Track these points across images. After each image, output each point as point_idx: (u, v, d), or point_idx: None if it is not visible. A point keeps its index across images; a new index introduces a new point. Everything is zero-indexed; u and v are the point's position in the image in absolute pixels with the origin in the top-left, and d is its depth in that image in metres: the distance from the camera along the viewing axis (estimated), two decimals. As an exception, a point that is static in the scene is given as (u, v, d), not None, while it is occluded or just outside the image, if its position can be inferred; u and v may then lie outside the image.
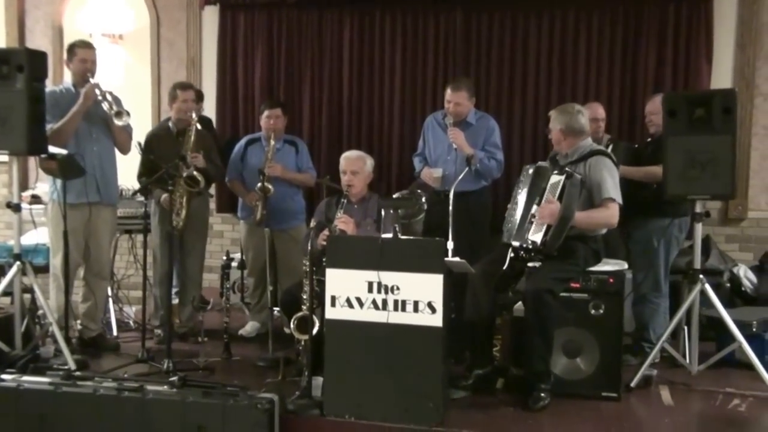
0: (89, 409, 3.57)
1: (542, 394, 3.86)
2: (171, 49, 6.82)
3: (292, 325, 4.09)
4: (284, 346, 4.63)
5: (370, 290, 3.64)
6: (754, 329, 4.50)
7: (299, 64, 6.47)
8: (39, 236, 5.17)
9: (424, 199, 5.01)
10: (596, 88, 5.92)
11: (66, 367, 4.10)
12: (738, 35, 5.81)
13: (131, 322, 5.69)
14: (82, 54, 4.82)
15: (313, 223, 4.57)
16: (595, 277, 4.07)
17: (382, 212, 4.33)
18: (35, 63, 4.30)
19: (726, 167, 4.11)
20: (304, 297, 4.03)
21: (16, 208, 4.47)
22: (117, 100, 4.79)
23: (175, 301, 5.35)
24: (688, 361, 4.41)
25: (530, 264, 4.08)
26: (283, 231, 5.21)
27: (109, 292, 5.42)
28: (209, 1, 6.64)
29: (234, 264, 5.41)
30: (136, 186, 5.17)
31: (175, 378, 3.67)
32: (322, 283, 3.80)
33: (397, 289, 3.61)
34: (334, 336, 3.71)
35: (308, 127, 6.43)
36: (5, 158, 4.67)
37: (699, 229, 4.36)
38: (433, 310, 3.57)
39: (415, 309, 3.59)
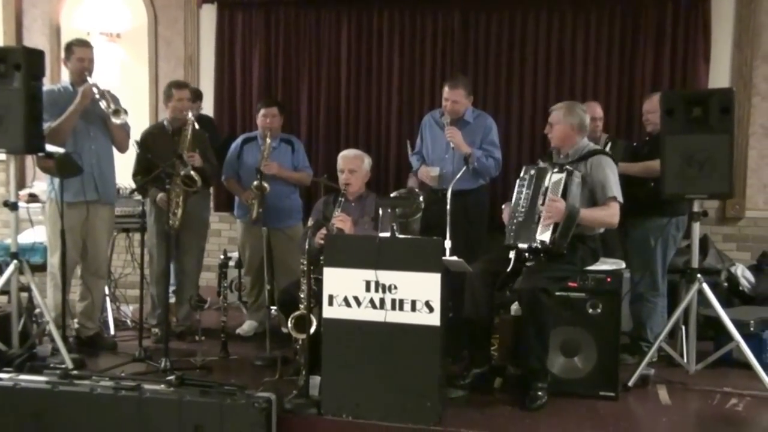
0: (86, 408, 3.56)
1: (539, 393, 3.86)
2: (168, 47, 6.81)
3: (289, 324, 4.08)
4: (282, 345, 4.62)
5: (368, 289, 3.63)
6: (751, 329, 4.51)
7: (297, 62, 6.47)
8: (36, 235, 5.15)
9: (421, 198, 5.01)
10: (594, 87, 5.92)
11: (63, 366, 4.08)
12: (736, 35, 5.82)
13: (128, 321, 5.69)
14: (79, 53, 4.81)
15: (310, 222, 4.57)
16: (592, 277, 4.07)
17: (380, 211, 4.32)
18: (32, 61, 4.28)
19: (723, 166, 4.11)
20: (302, 296, 4.02)
21: (13, 206, 4.45)
22: (115, 99, 4.78)
23: (172, 299, 5.35)
24: (685, 360, 4.41)
25: (527, 263, 4.08)
26: (280, 230, 5.20)
27: (107, 291, 5.41)
28: (207, 0, 6.63)
29: (231, 263, 5.39)
30: (134, 185, 5.17)
31: (172, 377, 3.66)
32: (319, 282, 3.80)
33: (395, 288, 3.60)
34: (332, 335, 3.70)
35: (306, 125, 6.43)
36: (2, 157, 4.68)
37: (696, 228, 4.36)
38: (431, 309, 3.56)
39: (413, 308, 3.58)
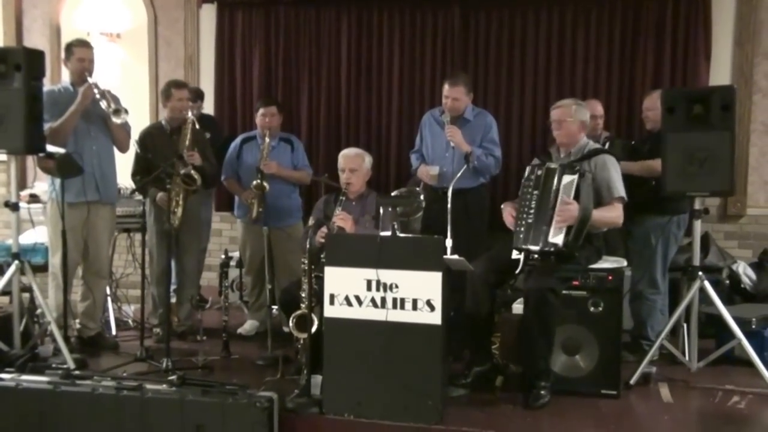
0: (88, 408, 3.56)
1: (542, 392, 3.86)
2: (168, 47, 6.81)
3: (290, 324, 4.08)
4: (283, 344, 4.62)
5: (369, 288, 3.63)
6: (753, 326, 4.49)
7: (297, 62, 6.47)
8: (37, 235, 5.16)
9: (422, 197, 5.00)
10: (595, 85, 5.92)
11: (65, 366, 4.09)
12: (736, 32, 5.82)
13: (130, 321, 5.69)
14: (79, 53, 4.81)
15: (311, 221, 4.56)
16: (594, 275, 4.06)
17: (381, 210, 4.32)
18: (33, 62, 4.29)
19: (725, 164, 4.10)
20: (303, 295, 4.02)
21: (14, 207, 4.46)
22: (115, 99, 4.78)
23: (173, 299, 5.35)
24: (687, 358, 4.41)
25: (531, 263, 4.06)
26: (280, 229, 5.20)
27: (108, 291, 5.41)
28: (206, 0, 6.63)
29: (232, 263, 5.40)
30: (133, 185, 5.17)
31: (174, 377, 3.67)
32: (320, 281, 3.80)
33: (396, 287, 3.60)
34: (333, 334, 3.70)
35: (306, 124, 6.43)
36: (3, 157, 4.68)
37: (698, 226, 4.35)
38: (432, 308, 3.56)
39: (414, 307, 3.58)
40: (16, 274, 4.45)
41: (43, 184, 5.31)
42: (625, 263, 4.32)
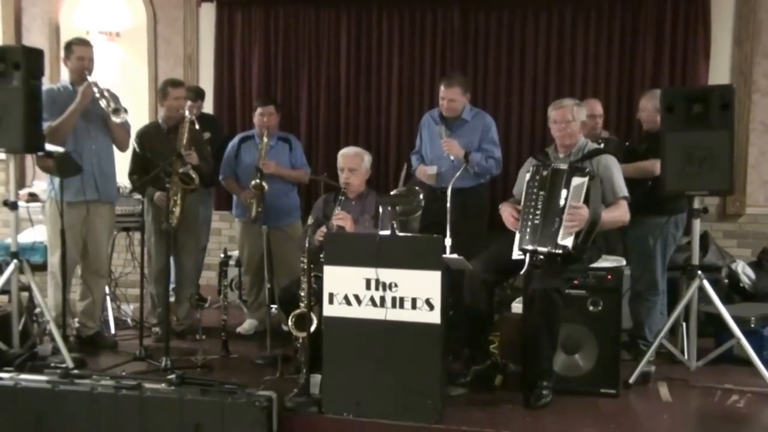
0: (87, 408, 3.56)
1: (544, 392, 3.85)
2: (168, 46, 6.81)
3: (290, 323, 4.08)
4: (282, 343, 4.62)
5: (368, 287, 3.63)
6: (752, 325, 4.50)
7: (296, 61, 6.47)
8: (36, 234, 5.16)
9: (421, 196, 5.01)
10: (594, 84, 5.92)
11: (63, 366, 4.08)
12: (736, 31, 5.82)
13: (129, 320, 5.68)
14: (79, 51, 4.80)
15: (310, 220, 4.56)
16: (593, 274, 4.05)
17: (380, 209, 4.32)
18: (32, 61, 4.28)
19: (724, 163, 4.11)
20: (302, 294, 4.02)
21: (13, 206, 4.45)
22: (115, 98, 4.78)
23: (172, 298, 5.35)
24: (686, 357, 4.41)
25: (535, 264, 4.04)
26: (278, 228, 5.20)
27: (107, 290, 5.41)
28: (206, -1, 6.64)
29: (231, 262, 5.40)
30: (129, 184, 5.17)
31: (173, 376, 3.66)
32: (319, 280, 3.80)
33: (395, 286, 3.60)
34: (332, 333, 3.70)
35: (305, 124, 6.43)
36: (2, 156, 4.68)
37: (697, 225, 4.36)
38: (431, 307, 3.56)
39: (413, 306, 3.58)
40: (15, 273, 4.44)
41: (42, 183, 5.31)
42: (624, 262, 4.33)
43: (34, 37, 6.91)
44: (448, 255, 3.71)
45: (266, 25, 6.49)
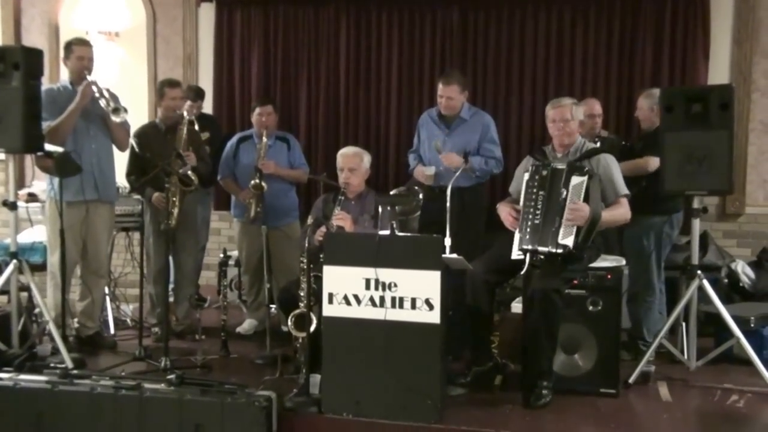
0: (86, 408, 3.56)
1: (544, 392, 3.85)
2: (167, 46, 6.81)
3: (289, 323, 4.08)
4: (282, 343, 4.62)
5: (368, 287, 3.63)
6: (752, 325, 4.50)
7: (296, 61, 6.47)
8: (36, 234, 5.15)
9: (421, 196, 5.00)
10: (593, 84, 5.92)
11: (63, 366, 4.08)
12: (735, 31, 5.82)
13: (128, 320, 5.68)
14: (78, 51, 4.80)
15: (310, 220, 4.56)
16: (592, 274, 4.05)
17: (380, 209, 4.32)
18: (31, 61, 4.28)
19: (723, 163, 4.10)
20: (302, 294, 4.02)
21: (12, 206, 4.45)
22: (114, 97, 4.77)
23: (172, 298, 5.34)
24: (686, 357, 4.41)
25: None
26: (277, 228, 5.19)
27: (107, 290, 5.40)
28: (205, -2, 6.64)
29: (231, 262, 5.40)
30: (127, 184, 5.17)
31: (172, 376, 3.66)
32: (319, 280, 3.80)
33: (395, 286, 3.60)
34: (332, 333, 3.70)
35: (305, 123, 6.43)
36: (1, 156, 4.68)
37: (697, 224, 4.35)
38: (431, 307, 3.56)
39: (413, 306, 3.58)
40: (15, 273, 4.44)
41: (41, 183, 5.30)
42: (623, 262, 4.33)
43: (34, 38, 6.91)
44: (447, 255, 3.70)
45: (265, 25, 6.49)
